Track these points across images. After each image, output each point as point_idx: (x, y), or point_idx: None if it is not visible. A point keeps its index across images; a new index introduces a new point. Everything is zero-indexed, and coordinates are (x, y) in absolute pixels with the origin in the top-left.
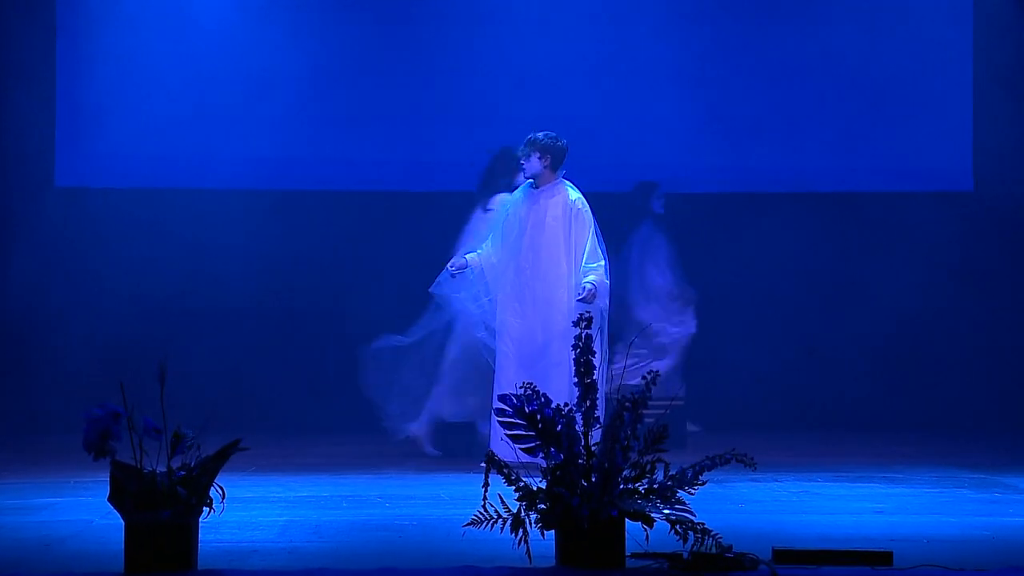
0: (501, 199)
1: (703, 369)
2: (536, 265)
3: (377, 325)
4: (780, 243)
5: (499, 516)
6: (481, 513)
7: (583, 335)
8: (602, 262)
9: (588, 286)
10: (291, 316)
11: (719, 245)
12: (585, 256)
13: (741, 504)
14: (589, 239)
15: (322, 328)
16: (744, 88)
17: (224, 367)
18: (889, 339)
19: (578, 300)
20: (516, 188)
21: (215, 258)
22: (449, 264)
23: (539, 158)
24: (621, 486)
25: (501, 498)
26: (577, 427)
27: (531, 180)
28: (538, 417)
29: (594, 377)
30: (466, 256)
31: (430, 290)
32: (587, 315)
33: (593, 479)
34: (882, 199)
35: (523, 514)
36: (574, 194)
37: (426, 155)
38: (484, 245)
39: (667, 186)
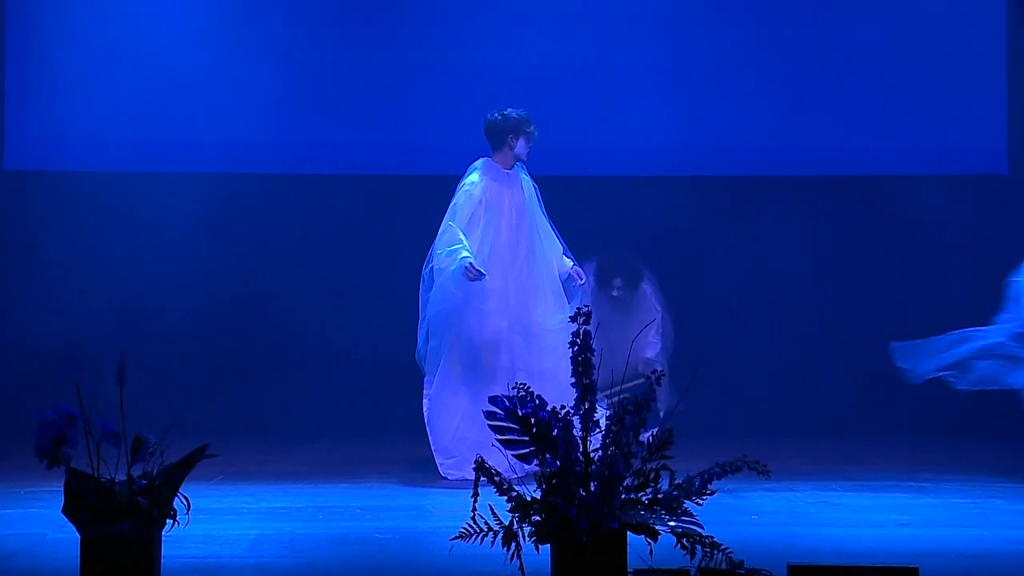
0: None
1: (712, 367)
2: (532, 251)
3: (355, 321)
4: (800, 230)
5: (490, 529)
6: (470, 525)
7: (581, 331)
8: None
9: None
10: (262, 309)
11: (732, 232)
12: (556, 239)
13: (754, 516)
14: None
15: (297, 322)
16: (766, 68)
17: (190, 365)
18: (917, 333)
19: (581, 285)
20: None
21: (178, 245)
22: (477, 268)
23: None
24: (623, 496)
25: (492, 509)
26: (575, 431)
27: (490, 160)
28: (532, 421)
29: (593, 378)
30: (465, 257)
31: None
32: (585, 309)
33: (592, 488)
34: (912, 183)
35: (516, 526)
36: (526, 174)
37: (398, 138)
38: (462, 241)
39: (678, 169)
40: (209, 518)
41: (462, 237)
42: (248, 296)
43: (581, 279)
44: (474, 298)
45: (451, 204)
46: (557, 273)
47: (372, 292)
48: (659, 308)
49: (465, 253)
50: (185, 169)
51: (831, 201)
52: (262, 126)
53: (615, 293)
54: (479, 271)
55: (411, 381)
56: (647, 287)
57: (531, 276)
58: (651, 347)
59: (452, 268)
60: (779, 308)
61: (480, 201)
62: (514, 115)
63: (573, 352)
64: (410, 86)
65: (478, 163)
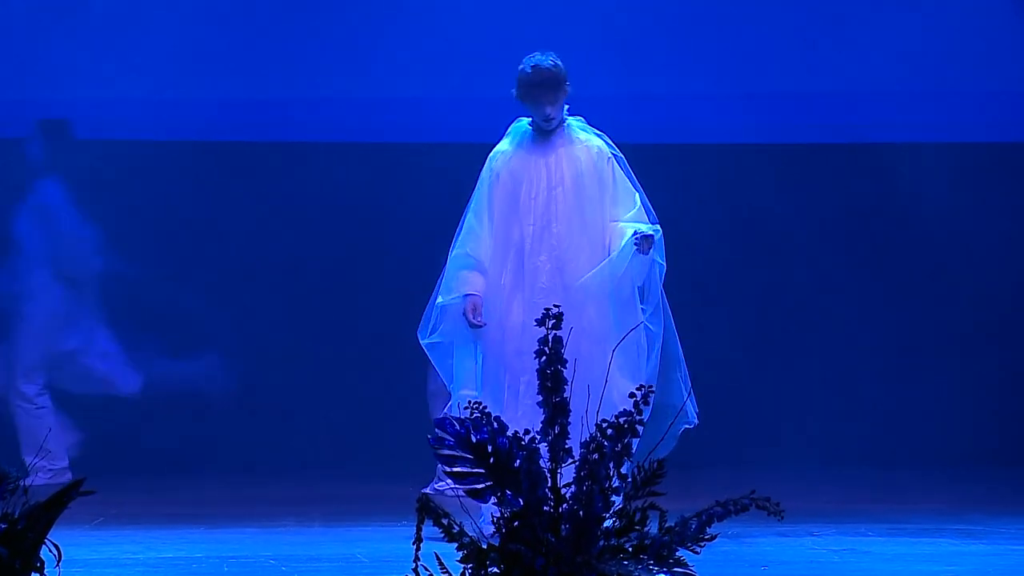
0: None
1: (710, 382)
2: (559, 244)
3: (271, 325)
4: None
5: None
6: None
7: (549, 337)
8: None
9: (648, 229)
10: (154, 304)
11: (736, 213)
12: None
13: (764, 566)
14: (635, 198)
15: (197, 324)
16: (792, 37)
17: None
18: (968, 337)
19: (636, 243)
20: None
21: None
22: (472, 318)
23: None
24: (601, 542)
25: (438, 558)
26: (542, 462)
27: (529, 120)
28: (489, 449)
29: (564, 395)
30: (469, 291)
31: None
32: (555, 310)
33: (564, 532)
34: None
35: None
36: (594, 137)
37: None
38: (476, 243)
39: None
40: (85, 571)
41: (475, 252)
42: (138, 288)
43: (636, 239)
44: (491, 318)
45: (478, 181)
46: (613, 270)
47: (294, 291)
48: None
49: (465, 290)
50: (102, 136)
51: (863, 176)
52: (203, 88)
53: None
54: (475, 323)
55: (338, 401)
56: None
57: (557, 274)
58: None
59: (452, 302)
60: (796, 306)
61: (498, 176)
62: (519, 67)
63: (540, 364)
64: (360, 43)
65: (513, 125)
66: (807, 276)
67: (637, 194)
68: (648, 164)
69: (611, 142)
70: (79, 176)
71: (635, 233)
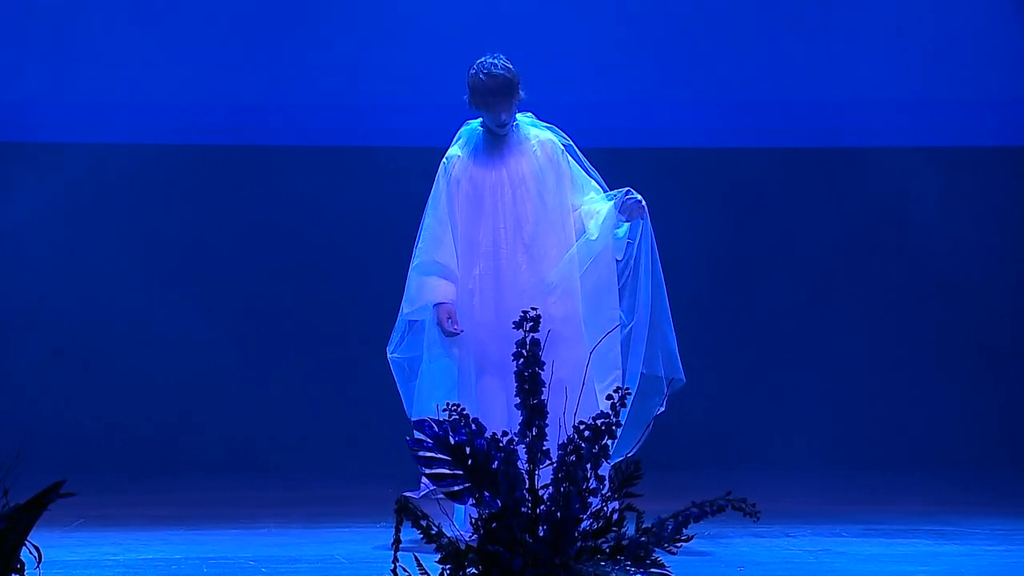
0: None
1: (695, 384)
2: (532, 242)
3: (250, 328)
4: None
5: None
6: None
7: (527, 339)
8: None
9: (637, 196)
10: (132, 307)
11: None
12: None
13: (740, 567)
14: (592, 183)
15: (178, 326)
16: (790, 41)
17: (45, 382)
18: (947, 341)
19: (625, 204)
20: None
21: (41, 232)
22: (449, 328)
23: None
24: (579, 543)
25: (417, 560)
26: (520, 464)
27: (480, 123)
28: (467, 450)
29: (543, 397)
30: (440, 299)
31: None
32: (533, 313)
33: (541, 534)
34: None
35: None
36: (543, 131)
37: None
38: (442, 249)
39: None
40: (65, 572)
41: (442, 259)
42: (115, 291)
43: (632, 200)
44: (464, 324)
45: (434, 187)
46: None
47: (274, 293)
48: None
49: (435, 299)
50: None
51: (851, 183)
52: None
53: None
54: (452, 331)
55: (318, 403)
56: None
57: (525, 274)
58: None
59: (421, 316)
60: (786, 309)
61: (458, 182)
62: (470, 72)
63: (518, 366)
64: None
65: (463, 128)
66: (798, 279)
67: (593, 180)
68: (645, 168)
69: (562, 132)
70: (60, 179)
71: (620, 202)
